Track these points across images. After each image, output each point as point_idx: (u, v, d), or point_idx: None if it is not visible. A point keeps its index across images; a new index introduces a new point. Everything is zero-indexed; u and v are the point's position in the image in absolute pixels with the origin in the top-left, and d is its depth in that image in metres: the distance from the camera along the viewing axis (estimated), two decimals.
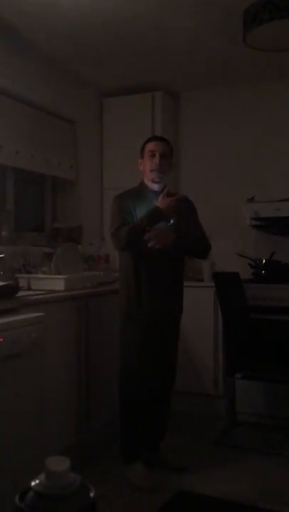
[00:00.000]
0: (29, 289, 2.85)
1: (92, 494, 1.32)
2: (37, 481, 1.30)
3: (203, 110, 4.18)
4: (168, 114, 4.13)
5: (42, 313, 2.32)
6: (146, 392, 2.66)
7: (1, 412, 2.02)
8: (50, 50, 3.42)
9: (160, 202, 2.55)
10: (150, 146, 2.68)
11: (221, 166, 4.08)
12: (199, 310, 3.53)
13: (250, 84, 3.98)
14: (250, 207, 3.66)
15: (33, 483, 1.30)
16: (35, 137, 3.46)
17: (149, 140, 2.74)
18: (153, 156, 2.64)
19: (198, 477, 2.65)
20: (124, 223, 2.54)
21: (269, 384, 3.37)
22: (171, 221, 2.59)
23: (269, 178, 3.87)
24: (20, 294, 2.49)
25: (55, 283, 2.85)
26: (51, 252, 3.23)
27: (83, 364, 2.84)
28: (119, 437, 2.67)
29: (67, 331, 2.73)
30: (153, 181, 2.67)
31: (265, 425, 3.33)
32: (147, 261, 2.57)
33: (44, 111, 3.57)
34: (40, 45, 3.33)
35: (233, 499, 2.42)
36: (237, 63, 3.62)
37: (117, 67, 3.70)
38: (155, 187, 2.67)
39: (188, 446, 3.03)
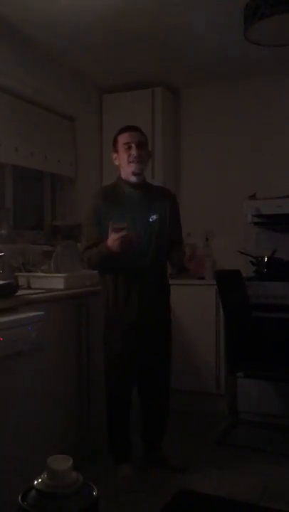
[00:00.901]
0: (29, 287, 2.84)
1: (94, 493, 1.30)
2: (39, 480, 1.29)
3: (204, 106, 4.16)
4: (168, 110, 4.10)
5: (42, 312, 2.31)
6: (129, 396, 2.60)
7: (1, 412, 2.01)
8: (48, 47, 3.40)
9: (108, 241, 2.33)
10: (124, 137, 2.52)
11: (221, 162, 4.06)
12: (201, 308, 3.51)
13: (251, 80, 3.95)
14: (252, 204, 3.64)
15: (35, 482, 1.29)
16: (34, 134, 3.43)
17: (121, 131, 2.57)
18: (129, 148, 2.50)
19: (200, 476, 2.64)
20: (91, 244, 2.49)
21: (271, 383, 3.35)
22: (154, 217, 2.51)
23: (270, 175, 3.84)
24: (19, 292, 2.47)
25: (55, 281, 2.82)
26: (51, 251, 3.21)
27: (83, 363, 2.83)
28: (107, 439, 2.64)
29: (67, 330, 2.71)
30: (133, 174, 2.52)
31: (268, 424, 3.31)
32: (125, 267, 2.48)
33: (43, 108, 3.54)
34: (39, 42, 3.31)
35: (235, 498, 2.41)
36: (238, 58, 3.60)
37: (117, 63, 3.68)
38: (134, 179, 2.53)
39: (190, 445, 3.02)
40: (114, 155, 2.58)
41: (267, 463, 2.80)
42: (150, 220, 2.52)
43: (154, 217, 2.52)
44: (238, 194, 3.79)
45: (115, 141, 2.58)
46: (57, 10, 2.89)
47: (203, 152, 4.13)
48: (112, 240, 2.32)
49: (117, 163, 2.59)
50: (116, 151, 2.57)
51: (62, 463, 1.30)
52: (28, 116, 3.39)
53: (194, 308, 3.54)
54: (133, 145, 2.51)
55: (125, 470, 2.57)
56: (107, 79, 3.98)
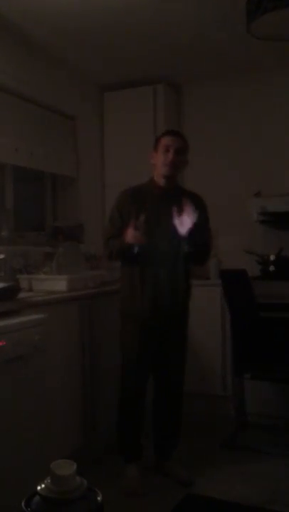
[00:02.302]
0: (30, 290, 2.82)
1: (99, 498, 1.27)
2: (43, 486, 1.26)
3: (206, 102, 4.12)
4: (170, 106, 4.07)
5: (44, 315, 2.29)
6: (144, 391, 2.63)
7: (5, 416, 1.99)
8: (48, 45, 3.38)
9: (126, 237, 2.46)
10: (166, 140, 2.60)
11: (225, 159, 4.01)
12: (206, 309, 3.47)
13: (254, 75, 3.91)
14: (257, 202, 3.62)
15: (39, 488, 1.26)
16: (35, 134, 3.41)
17: (165, 134, 2.67)
18: (167, 151, 2.56)
19: (207, 480, 2.62)
20: (113, 235, 2.59)
21: (279, 384, 3.31)
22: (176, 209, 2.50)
23: (275, 172, 3.79)
24: (21, 295, 2.46)
25: (57, 283, 2.80)
26: (52, 252, 3.17)
27: (87, 366, 2.81)
28: (116, 438, 2.66)
29: (70, 333, 2.69)
30: (164, 177, 2.60)
31: (275, 426, 3.27)
32: (146, 260, 2.52)
33: (43, 107, 3.52)
34: (39, 40, 3.29)
35: (242, 502, 2.39)
36: (240, 53, 3.57)
37: (117, 60, 3.66)
38: (163, 182, 2.61)
39: (197, 448, 2.99)
40: (153, 154, 2.65)
41: (275, 466, 2.78)
42: (174, 220, 2.53)
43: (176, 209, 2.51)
44: (243, 192, 3.75)
45: (157, 142, 2.65)
46: (57, 8, 2.88)
47: (206, 150, 4.08)
48: (130, 234, 2.45)
49: (153, 162, 2.65)
50: (155, 150, 2.64)
51: (66, 468, 1.27)
52: (28, 115, 3.37)
53: (199, 308, 3.48)
54: (172, 149, 2.56)
55: (131, 470, 2.58)
56: (108, 77, 3.95)
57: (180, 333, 2.66)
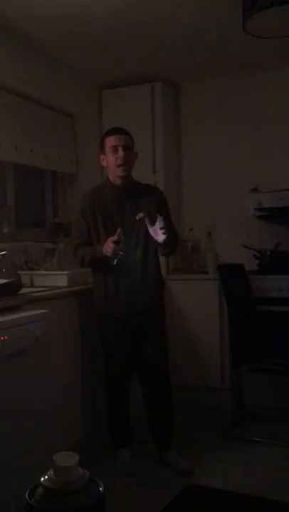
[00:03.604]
0: (32, 285, 2.85)
1: (101, 489, 1.31)
2: (46, 477, 1.30)
3: (204, 99, 4.13)
4: (168, 104, 4.08)
5: (45, 310, 2.31)
6: (127, 386, 2.72)
7: (7, 410, 2.01)
8: (47, 44, 3.38)
9: (106, 250, 2.46)
10: (111, 140, 2.58)
11: (223, 156, 4.03)
12: (204, 303, 3.51)
13: (251, 72, 3.92)
14: (254, 197, 3.63)
15: (42, 479, 1.30)
16: (34, 132, 3.42)
17: (107, 133, 2.64)
18: (116, 151, 2.56)
19: (206, 470, 2.65)
20: (80, 243, 2.62)
21: (276, 376, 3.34)
22: (140, 215, 2.54)
23: (272, 168, 3.81)
24: (23, 291, 2.47)
25: (58, 279, 2.83)
26: (53, 248, 3.20)
27: (88, 359, 2.83)
28: (107, 424, 2.78)
29: (71, 327, 2.72)
30: (120, 177, 2.59)
31: (273, 417, 3.31)
32: (118, 267, 2.55)
33: (42, 105, 3.53)
34: (38, 39, 3.29)
35: (241, 492, 2.42)
36: (237, 51, 3.56)
37: (116, 58, 3.65)
38: (120, 181, 2.61)
39: (196, 439, 3.02)
40: (102, 156, 2.65)
41: (274, 456, 2.80)
42: (137, 218, 2.56)
43: (141, 214, 2.55)
44: (240, 187, 3.77)
45: (102, 143, 2.63)
46: (55, 6, 2.87)
47: (204, 146, 4.11)
48: (109, 248, 2.44)
49: (104, 164, 2.65)
50: (103, 152, 2.63)
51: (68, 459, 1.31)
52: (27, 113, 3.38)
53: (198, 302, 3.54)
54: (120, 148, 2.56)
55: (123, 454, 2.70)
56: (107, 75, 3.95)
57: (158, 325, 2.70)
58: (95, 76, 3.98)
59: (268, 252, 3.59)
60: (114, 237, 2.42)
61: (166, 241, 2.47)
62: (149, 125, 3.73)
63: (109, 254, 2.45)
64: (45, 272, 2.95)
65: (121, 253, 2.44)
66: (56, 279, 2.83)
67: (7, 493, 1.90)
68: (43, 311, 2.30)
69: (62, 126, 3.77)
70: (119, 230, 2.44)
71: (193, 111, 4.17)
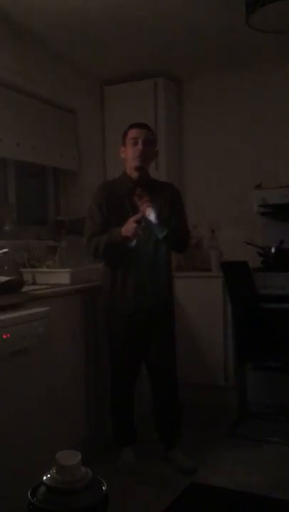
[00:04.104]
0: (34, 283, 2.84)
1: (104, 488, 1.29)
2: (48, 476, 1.28)
3: (207, 95, 4.11)
4: (171, 100, 4.06)
5: (48, 308, 2.31)
6: (133, 384, 2.72)
7: (10, 408, 2.01)
8: (48, 39, 3.37)
9: (126, 229, 2.44)
10: (132, 133, 2.62)
11: (226, 152, 4.01)
12: (208, 301, 3.49)
13: (254, 67, 3.89)
14: (258, 194, 3.62)
15: (44, 478, 1.28)
16: (36, 129, 3.40)
17: (131, 127, 2.68)
18: (136, 143, 2.59)
19: (210, 469, 2.64)
20: (93, 232, 2.59)
21: (280, 373, 3.33)
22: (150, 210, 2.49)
23: (276, 164, 3.79)
24: (25, 288, 2.46)
25: (61, 277, 2.82)
26: (55, 246, 3.19)
27: (91, 357, 2.83)
28: (111, 424, 2.77)
29: (74, 325, 2.71)
30: (136, 169, 2.61)
31: (277, 416, 3.29)
32: (128, 259, 2.55)
33: (44, 101, 3.51)
34: (39, 35, 3.28)
35: (245, 490, 2.41)
36: (241, 46, 3.55)
37: (118, 54, 3.64)
38: (136, 175, 2.63)
39: (200, 437, 3.01)
40: (122, 148, 2.67)
41: (277, 454, 2.80)
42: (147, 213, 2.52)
43: (153, 212, 2.50)
44: (244, 184, 3.75)
45: (125, 135, 2.67)
46: (56, 1, 2.86)
47: (207, 142, 4.08)
48: (131, 227, 2.42)
49: (123, 156, 2.67)
50: (124, 144, 2.66)
51: (71, 458, 1.30)
52: (29, 110, 3.36)
53: (201, 300, 3.52)
54: (140, 141, 2.59)
55: (126, 453, 2.70)
56: (109, 70, 3.94)
57: (166, 324, 2.69)
58: (96, 72, 3.97)
59: (272, 250, 3.57)
60: (137, 216, 2.43)
61: (159, 219, 2.43)
62: (151, 121, 3.69)
63: (129, 234, 2.44)
64: (47, 270, 2.94)
65: (141, 233, 2.43)
66: (58, 277, 2.82)
67: (9, 492, 1.89)
68: (45, 308, 2.29)
69: (64, 123, 3.75)
70: (141, 210, 2.44)
71: (196, 106, 4.15)
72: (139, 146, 2.58)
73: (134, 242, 2.48)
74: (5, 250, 2.76)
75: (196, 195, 4.05)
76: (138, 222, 2.42)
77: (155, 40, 3.44)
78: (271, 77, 3.88)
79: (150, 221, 2.42)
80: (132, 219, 2.44)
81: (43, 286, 2.67)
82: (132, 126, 2.68)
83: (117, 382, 2.72)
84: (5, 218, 3.18)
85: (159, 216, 2.41)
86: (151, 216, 2.41)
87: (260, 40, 3.28)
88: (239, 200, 3.81)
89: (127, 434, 2.76)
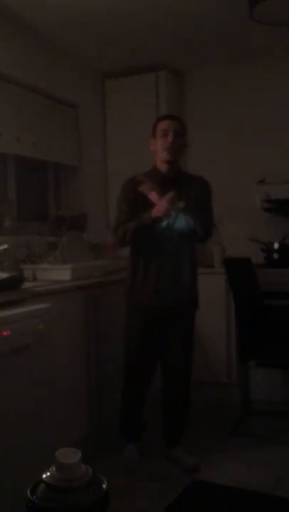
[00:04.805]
0: (34, 279, 2.82)
1: (104, 485, 1.28)
2: (48, 474, 1.27)
3: (209, 88, 4.07)
4: (173, 93, 4.03)
5: (48, 304, 2.30)
6: (147, 380, 2.69)
7: (10, 405, 2.00)
8: (49, 33, 3.34)
9: (157, 209, 2.44)
10: (163, 124, 2.59)
11: (229, 146, 3.98)
12: (211, 297, 3.45)
13: (257, 60, 3.86)
14: (261, 189, 3.60)
15: (44, 476, 1.27)
16: (36, 123, 3.38)
17: (161, 118, 2.66)
18: (166, 135, 2.56)
19: (213, 466, 2.64)
20: (120, 222, 2.58)
21: (283, 371, 3.31)
22: (180, 204, 2.49)
23: (279, 159, 3.76)
24: (25, 285, 2.46)
25: (61, 273, 2.81)
26: (56, 242, 3.17)
27: (92, 354, 2.81)
28: (119, 417, 2.76)
29: (75, 321, 2.69)
30: (165, 162, 2.58)
31: (281, 413, 3.28)
32: (152, 249, 2.53)
33: (45, 96, 3.49)
34: (40, 28, 3.25)
35: (248, 488, 2.41)
36: (243, 39, 3.52)
37: (119, 48, 3.61)
38: (165, 167, 2.59)
39: (203, 435, 3.00)
40: (152, 141, 2.64)
41: (280, 452, 2.79)
42: (177, 207, 2.52)
43: (181, 204, 2.51)
44: (247, 179, 3.72)
45: (155, 127, 2.63)
46: None
47: (209, 136, 4.05)
48: (162, 206, 2.43)
49: (152, 148, 2.63)
50: (154, 136, 2.62)
51: (70, 456, 1.28)
52: (29, 104, 3.34)
53: (204, 297, 3.46)
54: (170, 133, 2.55)
55: (131, 449, 2.69)
56: (110, 64, 3.91)
57: (186, 321, 2.66)
58: (97, 66, 3.94)
59: (275, 245, 3.54)
60: (170, 194, 2.42)
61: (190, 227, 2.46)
62: (153, 115, 3.66)
63: (161, 213, 2.43)
64: (48, 266, 2.92)
65: (174, 213, 2.42)
66: (59, 273, 2.80)
67: (9, 490, 1.89)
68: (46, 305, 2.28)
69: (65, 117, 3.73)
70: (174, 191, 2.43)
71: (198, 100, 4.12)
72: (170, 139, 2.54)
73: (165, 223, 2.47)
74: (5, 246, 2.75)
75: None
76: (171, 201, 2.41)
77: (156, 34, 3.42)
78: (274, 70, 3.84)
79: (177, 214, 2.45)
80: (165, 197, 2.43)
81: (43, 283, 2.66)
82: (163, 117, 2.66)
83: (129, 376, 2.68)
84: (5, 214, 3.16)
85: (186, 208, 2.43)
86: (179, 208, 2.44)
87: (262, 33, 3.26)
88: (242, 196, 3.78)
89: (134, 432, 2.75)
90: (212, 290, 3.46)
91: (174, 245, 2.55)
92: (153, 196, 2.48)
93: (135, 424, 2.74)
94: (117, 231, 2.61)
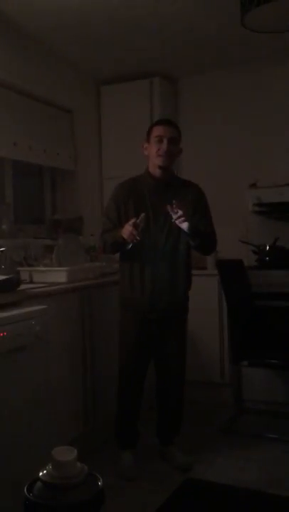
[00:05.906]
0: (31, 282, 2.83)
1: (100, 483, 1.31)
2: (45, 472, 1.30)
3: (203, 94, 4.13)
4: (166, 99, 4.07)
5: (45, 306, 2.31)
6: (141, 383, 2.66)
7: (7, 406, 2.01)
8: (45, 39, 3.37)
9: (123, 231, 2.41)
10: (158, 130, 2.55)
11: (221, 151, 4.03)
12: (203, 298, 3.49)
13: (249, 67, 3.91)
14: (253, 193, 3.63)
15: (40, 474, 1.30)
16: (33, 128, 3.42)
17: (156, 123, 2.62)
18: (160, 141, 2.52)
19: (206, 465, 2.65)
20: (107, 228, 2.59)
21: (275, 371, 3.35)
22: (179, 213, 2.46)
23: (271, 163, 3.81)
24: (22, 287, 2.47)
25: (57, 275, 2.82)
26: (52, 244, 3.20)
27: (87, 355, 2.83)
28: (114, 424, 2.70)
29: (71, 323, 2.72)
30: (159, 167, 2.55)
31: (272, 412, 3.32)
32: (143, 253, 2.53)
33: (41, 101, 3.52)
34: (35, 34, 3.28)
35: (241, 486, 2.42)
36: (235, 46, 3.57)
37: (114, 54, 3.65)
38: (159, 173, 2.57)
39: (196, 434, 3.03)
40: (146, 145, 2.60)
41: (272, 450, 2.81)
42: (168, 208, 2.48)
43: (180, 213, 2.44)
44: (239, 183, 3.77)
45: (149, 132, 2.60)
46: (54, 2, 2.87)
47: (202, 141, 4.09)
48: (126, 230, 2.41)
49: (146, 153, 2.61)
50: (148, 141, 2.59)
51: (67, 454, 1.31)
52: (25, 109, 3.37)
53: (197, 298, 3.50)
54: (165, 139, 2.52)
55: (127, 457, 2.63)
56: (105, 70, 3.95)
57: (179, 323, 2.67)
58: (93, 71, 3.98)
59: (267, 248, 3.59)
60: (134, 220, 2.37)
61: (191, 230, 2.42)
62: (147, 120, 3.71)
63: (125, 236, 2.40)
64: (44, 268, 2.94)
65: (138, 238, 2.38)
66: (55, 275, 2.82)
67: (6, 488, 1.90)
68: (42, 307, 2.29)
69: (61, 122, 3.76)
70: (142, 214, 2.39)
71: (192, 106, 4.16)
72: (164, 146, 2.50)
73: (129, 246, 2.47)
74: (2, 249, 2.77)
75: None
76: (135, 226, 2.37)
77: (151, 40, 3.45)
78: (267, 77, 3.89)
79: (182, 230, 2.43)
80: (130, 222, 2.39)
81: (40, 285, 2.67)
82: (158, 122, 2.62)
83: (123, 379, 2.65)
84: (2, 217, 3.18)
85: (191, 226, 2.39)
86: (184, 225, 2.39)
87: (256, 40, 3.29)
88: (234, 199, 3.82)
89: (129, 437, 2.69)
90: (205, 292, 3.50)
91: (168, 254, 2.54)
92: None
93: (130, 432, 2.68)
94: (101, 238, 2.64)
